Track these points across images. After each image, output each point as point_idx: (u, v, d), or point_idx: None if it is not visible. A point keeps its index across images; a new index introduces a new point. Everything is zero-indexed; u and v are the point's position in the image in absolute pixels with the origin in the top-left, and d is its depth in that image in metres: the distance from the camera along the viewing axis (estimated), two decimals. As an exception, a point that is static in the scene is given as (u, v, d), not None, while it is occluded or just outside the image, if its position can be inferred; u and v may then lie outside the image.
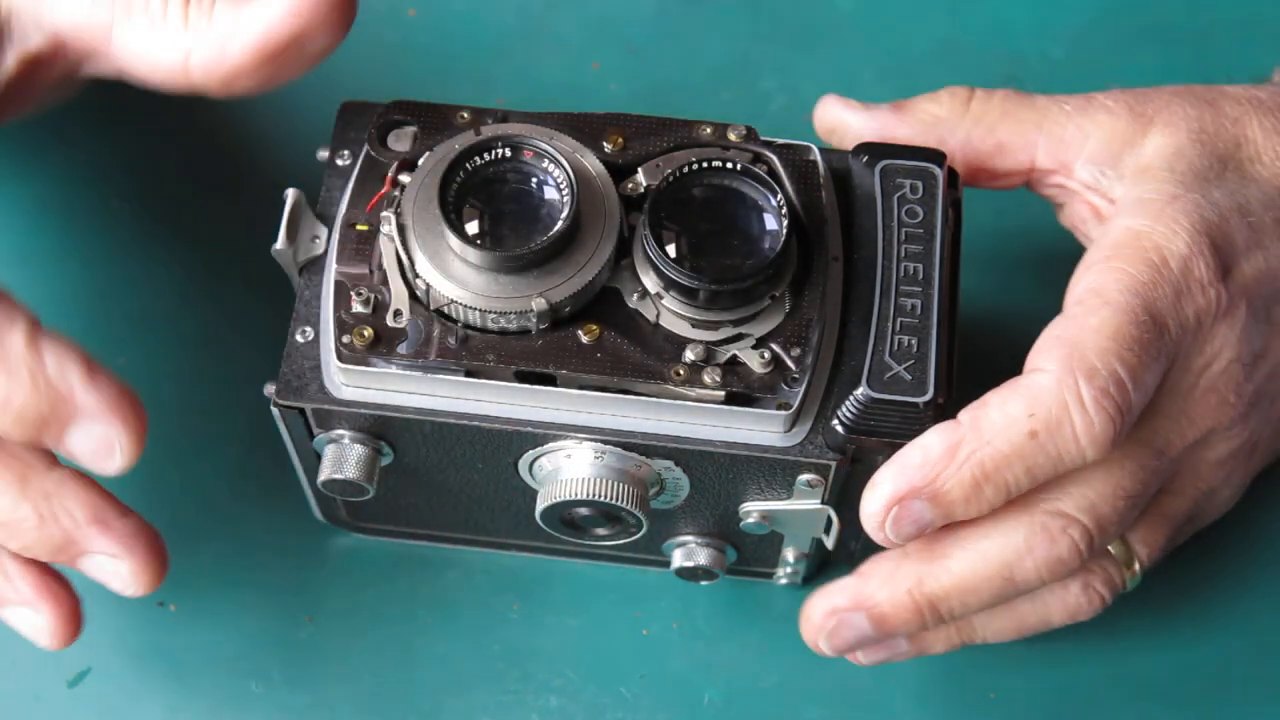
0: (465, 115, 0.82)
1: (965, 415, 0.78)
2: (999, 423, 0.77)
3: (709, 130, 0.82)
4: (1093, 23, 1.05)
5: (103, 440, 0.77)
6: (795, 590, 0.93)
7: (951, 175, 0.84)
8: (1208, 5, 1.05)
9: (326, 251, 0.82)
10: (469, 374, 0.78)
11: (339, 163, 0.83)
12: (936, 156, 0.82)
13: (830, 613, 0.84)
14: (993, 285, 0.97)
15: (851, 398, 0.78)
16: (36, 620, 0.82)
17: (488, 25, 1.06)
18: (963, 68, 1.04)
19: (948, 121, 0.86)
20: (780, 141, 0.82)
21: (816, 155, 0.82)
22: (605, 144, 0.81)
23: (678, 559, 0.89)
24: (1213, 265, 0.81)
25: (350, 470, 0.81)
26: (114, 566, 0.81)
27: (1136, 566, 0.86)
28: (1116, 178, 0.85)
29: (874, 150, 0.83)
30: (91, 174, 1.01)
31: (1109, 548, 0.85)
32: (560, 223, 0.77)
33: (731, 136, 0.81)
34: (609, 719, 0.91)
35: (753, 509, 0.84)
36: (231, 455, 0.95)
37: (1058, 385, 0.77)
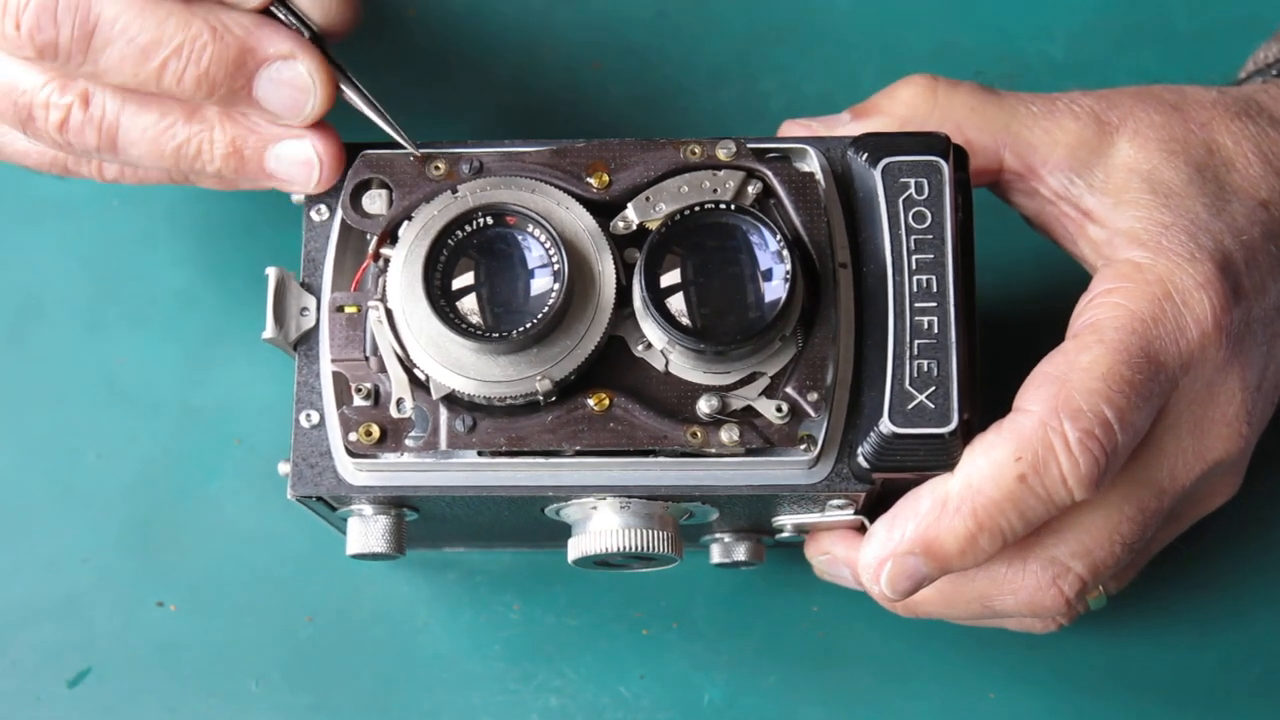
0: (439, 167, 0.78)
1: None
2: (987, 469, 0.76)
3: (696, 150, 0.78)
4: (1093, 23, 1.05)
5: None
6: (794, 592, 0.93)
7: (958, 154, 0.80)
8: (1207, 5, 1.05)
9: (317, 327, 0.79)
10: (481, 453, 0.77)
11: (315, 218, 0.80)
12: (939, 144, 0.78)
13: (829, 558, 0.85)
14: (1005, 278, 0.96)
15: (875, 434, 0.75)
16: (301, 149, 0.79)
17: (488, 25, 1.05)
18: (963, 68, 1.04)
19: (913, 120, 0.83)
20: (773, 148, 0.79)
21: (814, 161, 0.79)
22: (590, 179, 0.78)
23: (715, 555, 0.87)
24: (1222, 294, 0.78)
25: (377, 544, 0.80)
26: (291, 76, 0.78)
27: (1100, 591, 0.85)
28: (1086, 187, 0.83)
29: (873, 146, 0.78)
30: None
31: None
32: (553, 299, 0.74)
33: (720, 154, 0.78)
34: (609, 719, 0.91)
35: (786, 522, 0.82)
36: (231, 454, 0.95)
37: (1042, 426, 0.75)
